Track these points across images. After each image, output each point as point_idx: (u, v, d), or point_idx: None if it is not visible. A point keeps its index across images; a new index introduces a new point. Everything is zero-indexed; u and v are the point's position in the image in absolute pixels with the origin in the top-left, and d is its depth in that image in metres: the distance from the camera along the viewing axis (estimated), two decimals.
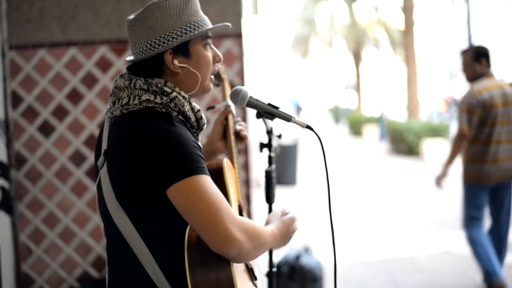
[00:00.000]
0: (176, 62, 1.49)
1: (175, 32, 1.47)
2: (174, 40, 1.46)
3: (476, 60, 4.12)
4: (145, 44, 1.47)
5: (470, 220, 4.13)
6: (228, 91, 2.06)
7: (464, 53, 4.20)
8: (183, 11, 1.48)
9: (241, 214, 1.75)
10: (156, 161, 1.36)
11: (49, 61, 3.47)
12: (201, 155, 1.41)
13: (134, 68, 1.53)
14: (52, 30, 3.48)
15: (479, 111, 3.98)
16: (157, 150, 1.37)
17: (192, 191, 1.34)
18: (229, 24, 1.56)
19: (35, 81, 3.47)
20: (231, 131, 1.91)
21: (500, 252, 4.16)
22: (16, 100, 3.45)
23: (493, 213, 4.20)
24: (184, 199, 1.35)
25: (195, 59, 1.51)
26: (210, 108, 2.06)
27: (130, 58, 1.54)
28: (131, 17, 1.52)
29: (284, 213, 1.60)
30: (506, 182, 4.08)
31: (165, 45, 1.46)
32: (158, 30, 1.46)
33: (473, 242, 4.07)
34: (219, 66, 2.01)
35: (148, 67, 1.50)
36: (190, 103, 1.50)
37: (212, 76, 1.58)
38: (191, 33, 1.48)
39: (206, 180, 1.37)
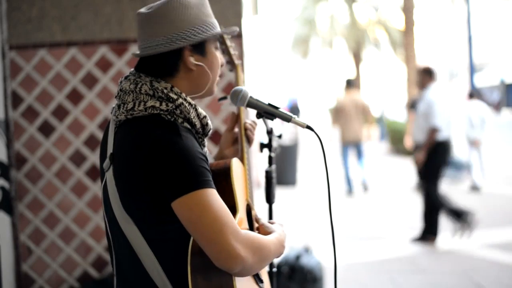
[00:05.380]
0: (192, 59, 1.47)
1: (197, 28, 1.45)
2: (197, 36, 1.45)
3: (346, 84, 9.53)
4: (163, 38, 1.43)
5: (343, 159, 9.20)
6: (241, 78, 2.01)
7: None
8: (201, 10, 1.49)
9: (249, 213, 1.72)
10: (160, 173, 1.34)
11: (49, 61, 3.47)
12: (207, 167, 1.38)
13: (143, 65, 1.48)
14: (52, 30, 3.48)
15: (338, 109, 9.17)
16: (162, 162, 1.34)
17: (196, 205, 1.32)
18: (237, 28, 1.58)
19: (35, 81, 3.46)
20: (243, 125, 1.87)
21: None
22: (16, 100, 3.45)
23: (356, 157, 9.45)
24: (188, 214, 1.32)
25: (210, 59, 1.51)
26: (222, 98, 2.05)
27: (137, 53, 1.49)
28: (145, 10, 1.47)
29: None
30: (357, 143, 9.14)
31: (186, 40, 1.44)
32: (180, 25, 1.44)
33: (344, 166, 9.18)
34: (233, 52, 1.99)
35: (161, 64, 1.46)
36: (196, 110, 1.47)
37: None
38: (210, 32, 1.47)
39: (211, 194, 1.34)
